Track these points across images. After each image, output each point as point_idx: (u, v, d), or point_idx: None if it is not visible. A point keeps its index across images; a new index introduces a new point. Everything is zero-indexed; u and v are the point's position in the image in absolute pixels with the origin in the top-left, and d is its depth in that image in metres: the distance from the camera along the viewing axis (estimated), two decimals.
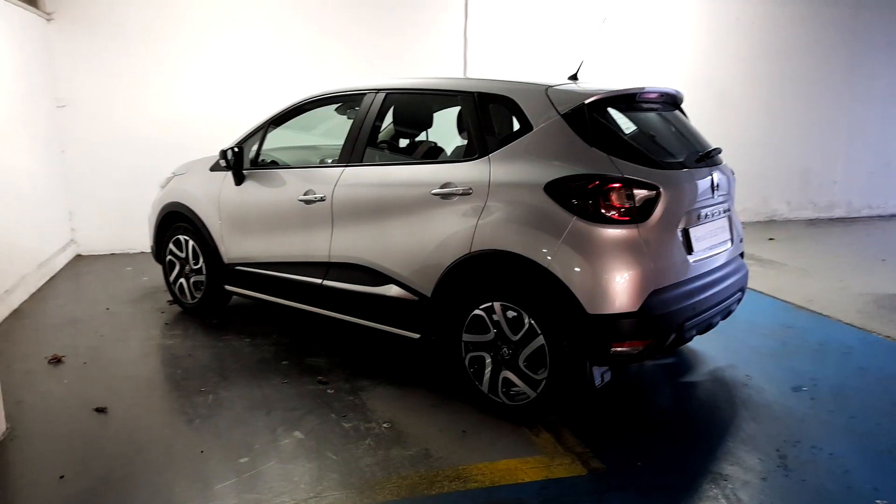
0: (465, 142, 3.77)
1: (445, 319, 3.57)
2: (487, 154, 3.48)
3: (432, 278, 3.58)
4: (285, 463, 2.99)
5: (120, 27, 6.99)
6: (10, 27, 5.79)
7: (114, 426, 3.35)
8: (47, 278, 6.06)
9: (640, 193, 3.16)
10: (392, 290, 3.79)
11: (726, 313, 3.84)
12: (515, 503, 2.71)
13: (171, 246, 5.16)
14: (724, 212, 3.76)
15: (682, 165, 3.49)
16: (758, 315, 5.25)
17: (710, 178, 3.56)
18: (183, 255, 5.07)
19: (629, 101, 3.63)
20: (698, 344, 4.50)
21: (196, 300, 5.07)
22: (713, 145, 3.92)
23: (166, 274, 5.27)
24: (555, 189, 3.19)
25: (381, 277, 3.83)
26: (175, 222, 5.12)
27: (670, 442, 3.26)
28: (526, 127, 3.41)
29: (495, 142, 3.50)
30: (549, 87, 3.48)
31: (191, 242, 4.98)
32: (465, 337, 3.49)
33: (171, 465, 2.98)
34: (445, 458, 3.05)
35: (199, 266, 4.97)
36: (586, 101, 3.34)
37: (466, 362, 3.52)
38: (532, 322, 3.23)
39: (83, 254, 7.18)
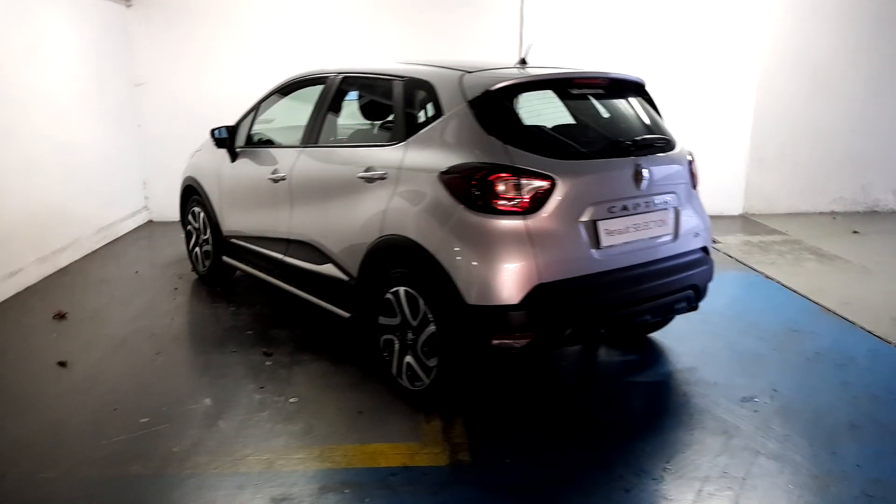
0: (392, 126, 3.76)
1: (366, 300, 3.63)
2: (405, 139, 3.47)
3: (357, 259, 3.65)
4: (177, 426, 3.22)
5: (186, 11, 7.58)
6: (93, 14, 6.60)
7: (65, 379, 3.76)
8: (107, 241, 6.79)
9: (530, 184, 3.01)
10: (329, 269, 3.91)
11: (665, 312, 3.58)
12: (352, 486, 2.74)
13: (189, 217, 5.61)
14: (662, 204, 3.46)
15: (596, 155, 3.27)
16: (768, 315, 4.78)
17: (632, 169, 3.29)
18: (197, 225, 5.49)
19: (561, 86, 3.45)
20: (676, 343, 4.22)
21: (206, 269, 5.48)
22: (666, 135, 3.63)
23: (186, 242, 5.74)
24: (447, 177, 3.13)
25: (323, 256, 3.95)
26: (192, 195, 5.54)
27: (561, 444, 3.10)
28: (438, 113, 3.36)
29: (413, 128, 3.48)
30: (466, 73, 3.38)
31: (202, 214, 5.38)
32: (381, 319, 3.54)
33: (81, 414, 3.32)
34: (323, 436, 3.14)
35: (207, 237, 5.36)
36: (491, 89, 3.22)
37: (381, 344, 3.58)
38: (426, 309, 3.22)
39: (155, 220, 7.95)
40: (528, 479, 2.84)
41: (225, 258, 5.15)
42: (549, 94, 3.50)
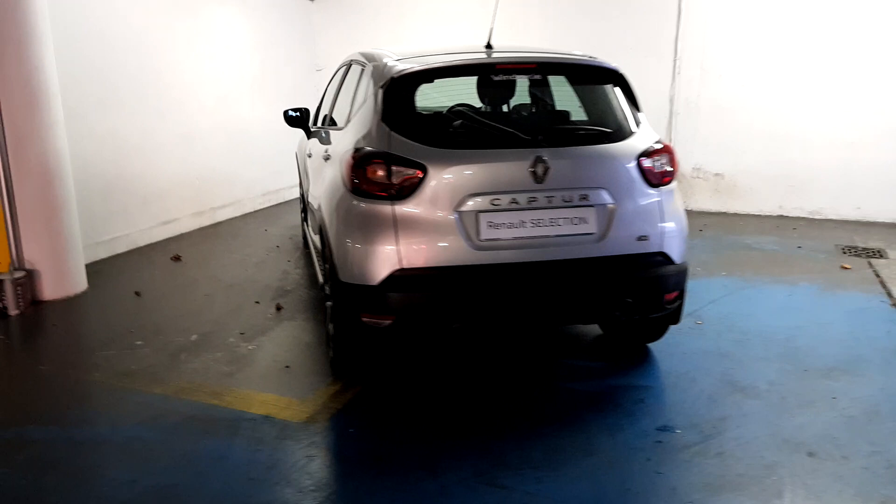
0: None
1: (323, 268, 3.99)
2: (347, 123, 3.72)
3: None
4: (155, 352, 3.98)
5: (360, 4, 8.48)
6: (281, 9, 7.89)
7: (133, 304, 4.81)
8: (269, 204, 8.07)
9: (400, 172, 3.06)
10: (318, 240, 4.33)
11: (589, 317, 3.32)
12: (207, 420, 3.16)
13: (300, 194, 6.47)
14: (580, 201, 3.14)
15: (483, 145, 3.14)
16: (824, 347, 3.96)
17: (530, 161, 3.07)
18: (302, 204, 6.32)
19: (484, 72, 3.36)
20: (668, 360, 3.81)
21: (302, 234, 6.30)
22: (609, 126, 3.30)
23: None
24: (342, 160, 3.32)
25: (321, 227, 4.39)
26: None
27: (428, 430, 3.11)
28: (366, 99, 3.53)
29: (354, 112, 3.70)
30: (395, 60, 3.48)
31: (300, 185, 6.18)
32: (326, 288, 3.87)
33: (137, 331, 4.28)
34: (237, 379, 3.58)
35: (302, 205, 6.16)
36: (395, 76, 3.29)
37: (328, 310, 3.91)
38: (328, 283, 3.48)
39: None
40: (359, 451, 2.95)
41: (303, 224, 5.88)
42: (472, 80, 3.42)
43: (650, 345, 3.99)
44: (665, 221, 3.31)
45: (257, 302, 4.78)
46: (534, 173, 3.09)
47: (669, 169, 3.36)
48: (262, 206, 7.96)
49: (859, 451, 2.91)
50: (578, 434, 3.06)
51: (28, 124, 4.43)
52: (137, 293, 4.98)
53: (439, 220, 3.05)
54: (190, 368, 3.75)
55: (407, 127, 3.17)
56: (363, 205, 3.11)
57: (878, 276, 5.30)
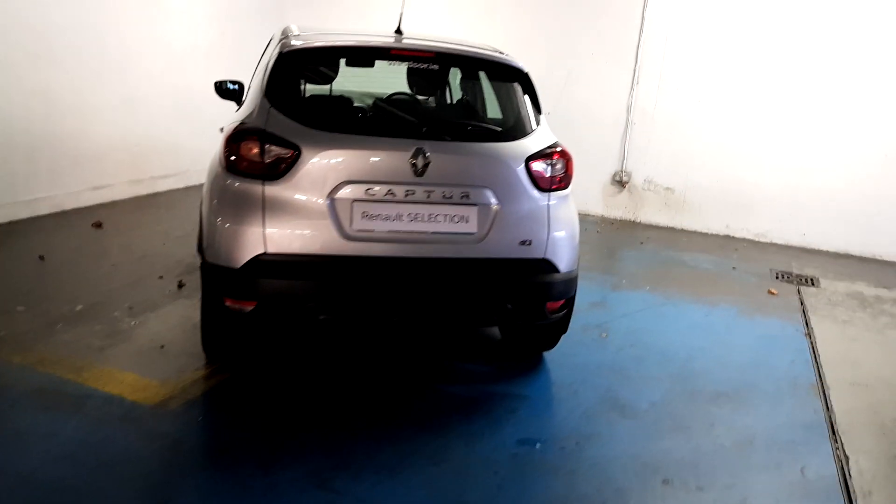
0: None
1: None
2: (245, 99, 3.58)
3: None
4: (33, 319, 3.81)
5: None
6: None
7: (33, 268, 4.64)
8: None
9: (272, 150, 2.92)
10: None
11: (462, 319, 3.24)
12: (56, 394, 3.03)
13: None
14: (461, 199, 3.03)
15: (364, 131, 3.02)
16: (723, 366, 3.87)
17: (410, 152, 2.95)
18: None
19: (377, 56, 3.23)
20: (557, 369, 3.72)
21: None
22: (501, 124, 3.19)
23: None
24: (223, 136, 3.18)
25: None
26: None
27: (276, 423, 2.99)
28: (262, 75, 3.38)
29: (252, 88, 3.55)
30: (295, 35, 3.34)
31: None
32: None
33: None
34: (105, 356, 3.43)
35: None
36: (283, 51, 3.15)
37: None
38: None
39: None
40: (199, 441, 2.85)
41: None
42: (367, 64, 3.29)
43: (546, 353, 3.89)
44: (553, 228, 3.20)
45: (161, 277, 4.64)
46: (414, 166, 2.96)
47: (563, 174, 3.25)
48: None
49: (716, 483, 2.82)
50: (435, 440, 2.96)
51: None
52: (41, 257, 4.82)
53: (310, 206, 2.92)
54: (61, 340, 3.61)
55: (289, 105, 3.04)
56: (236, 184, 2.97)
57: (802, 304, 5.23)
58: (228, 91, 4.73)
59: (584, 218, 7.51)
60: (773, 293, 5.43)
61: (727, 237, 7.25)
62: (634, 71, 7.27)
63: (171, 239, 5.53)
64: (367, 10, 7.89)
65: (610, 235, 7.05)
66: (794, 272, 6.09)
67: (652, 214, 7.54)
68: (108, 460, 2.63)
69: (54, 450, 2.67)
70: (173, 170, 7.28)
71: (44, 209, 5.84)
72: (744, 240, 7.17)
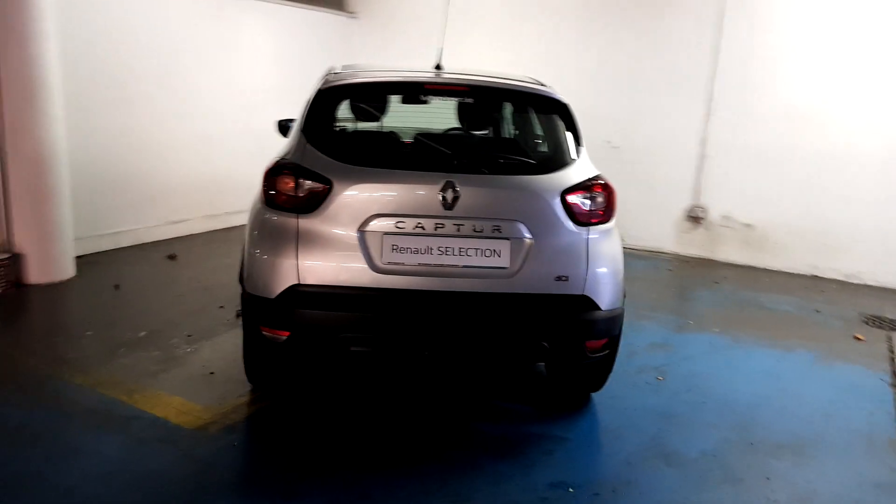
0: None
1: None
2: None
3: None
4: (98, 343, 4.05)
5: (402, 24, 8.58)
6: (322, 28, 8.19)
7: (108, 296, 4.95)
8: None
9: (306, 184, 2.99)
10: None
11: (494, 356, 3.17)
12: (106, 415, 3.19)
13: None
14: (493, 232, 2.97)
15: (395, 165, 3.03)
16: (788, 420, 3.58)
17: (440, 185, 2.93)
18: None
19: (413, 91, 3.28)
20: (600, 415, 3.56)
21: None
22: (531, 157, 3.13)
23: None
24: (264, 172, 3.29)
25: None
26: None
27: (307, 453, 3.02)
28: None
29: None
30: (338, 73, 3.45)
31: None
32: None
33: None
34: (157, 380, 3.60)
35: None
36: (322, 88, 3.25)
37: None
38: None
39: None
40: (228, 466, 2.90)
41: None
42: (399, 98, 3.34)
43: (594, 395, 3.72)
44: (593, 263, 3.08)
45: (222, 307, 4.82)
46: (443, 199, 2.95)
47: (604, 208, 3.14)
48: None
49: None
50: (461, 478, 2.87)
51: (26, 115, 4.68)
52: (117, 286, 5.13)
53: (342, 238, 2.97)
54: (120, 364, 3.80)
55: (323, 141, 3.13)
56: (273, 217, 3.07)
57: (891, 351, 4.78)
58: (287, 129, 4.92)
59: (655, 255, 7.37)
60: (859, 338, 4.99)
61: (814, 277, 6.76)
62: (708, 103, 7.01)
63: (235, 271, 5.73)
64: (432, 48, 8.09)
65: (682, 274, 6.75)
66: (886, 316, 5.58)
67: (730, 252, 7.16)
68: (142, 480, 2.72)
69: (95, 468, 2.79)
70: (245, 205, 7.55)
71: (125, 242, 6.23)
72: (833, 281, 6.66)
